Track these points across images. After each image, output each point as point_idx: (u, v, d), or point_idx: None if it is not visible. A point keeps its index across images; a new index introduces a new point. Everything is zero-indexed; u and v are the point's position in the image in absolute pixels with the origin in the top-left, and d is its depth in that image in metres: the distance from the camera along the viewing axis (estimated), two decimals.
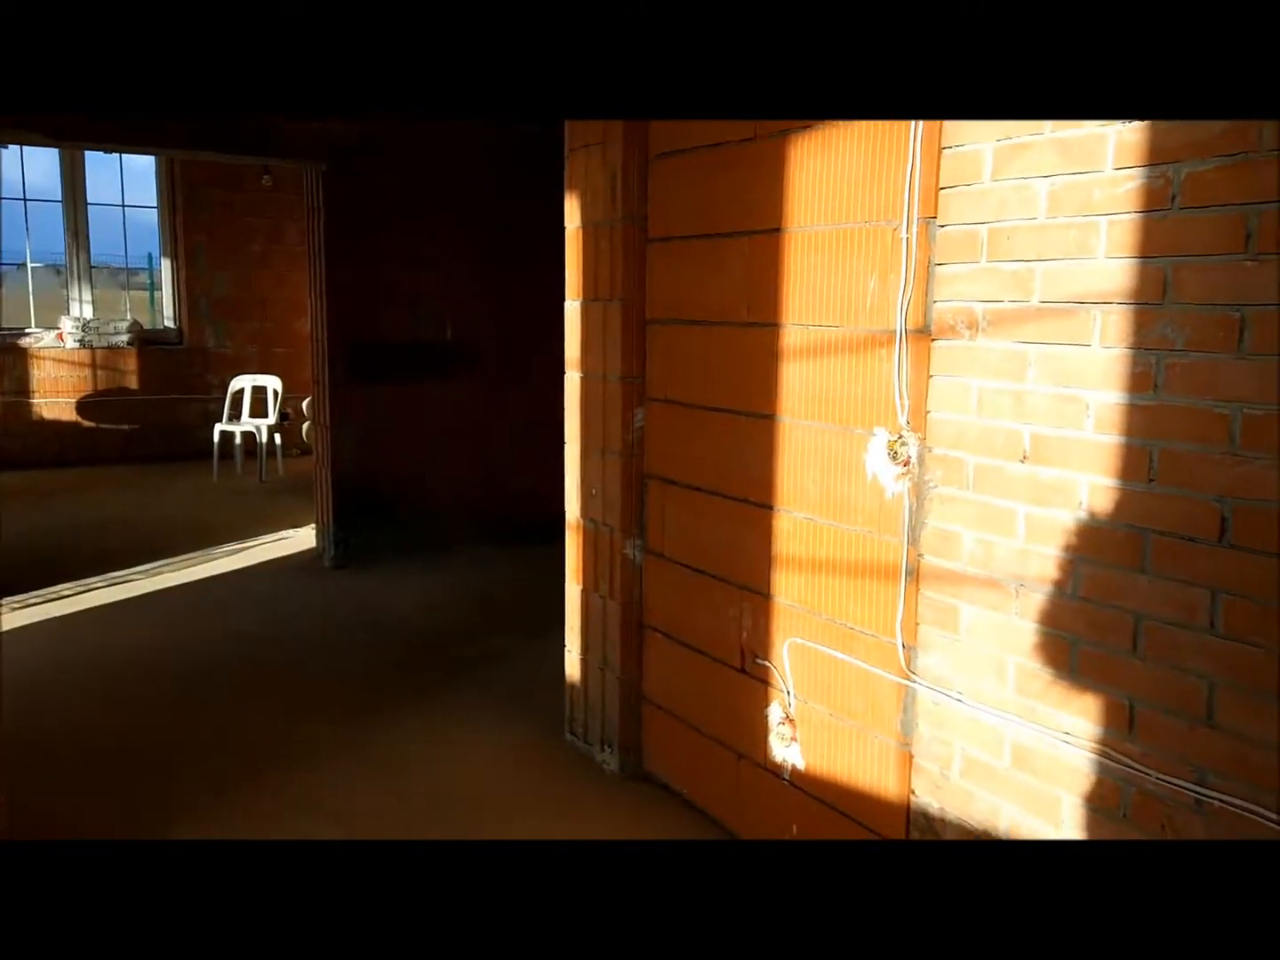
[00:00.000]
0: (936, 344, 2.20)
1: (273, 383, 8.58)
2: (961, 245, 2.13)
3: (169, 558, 5.81)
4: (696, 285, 2.89)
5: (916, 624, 2.31)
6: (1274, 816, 1.68)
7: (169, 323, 9.25)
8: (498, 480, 6.05)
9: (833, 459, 2.49)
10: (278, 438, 8.34)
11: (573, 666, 3.48)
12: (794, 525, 2.63)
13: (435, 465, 5.93)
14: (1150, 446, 1.82)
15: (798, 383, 2.57)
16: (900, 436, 2.28)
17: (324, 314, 5.59)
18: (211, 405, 8.97)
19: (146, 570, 5.57)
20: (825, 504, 2.52)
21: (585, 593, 3.38)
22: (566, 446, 3.40)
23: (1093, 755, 1.95)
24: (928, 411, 2.24)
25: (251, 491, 7.88)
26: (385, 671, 4.19)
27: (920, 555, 2.28)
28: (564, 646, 3.52)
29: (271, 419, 8.44)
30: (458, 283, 5.87)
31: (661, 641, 3.17)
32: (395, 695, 3.93)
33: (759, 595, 2.75)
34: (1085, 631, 1.95)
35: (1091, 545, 1.93)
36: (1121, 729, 1.90)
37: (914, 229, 2.21)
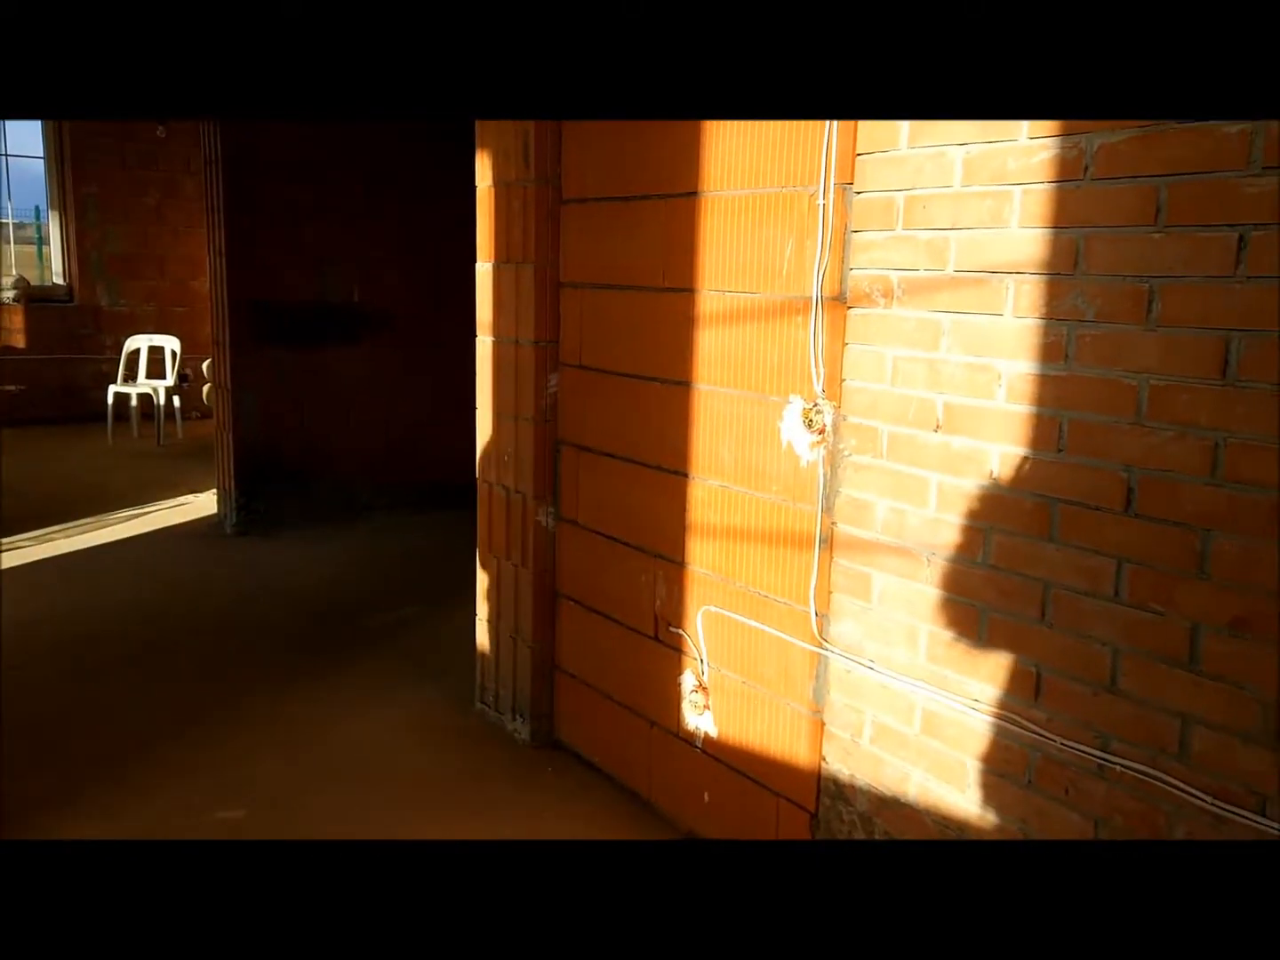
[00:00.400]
0: (852, 312, 2.19)
1: (170, 343, 8.26)
2: (878, 212, 2.11)
3: (62, 523, 5.57)
4: (612, 249, 2.84)
5: (829, 592, 2.31)
6: (1173, 781, 1.72)
7: (58, 279, 8.83)
8: (412, 445, 5.92)
9: (748, 427, 2.47)
10: (176, 400, 8.04)
11: (484, 635, 3.43)
12: (709, 493, 2.61)
13: (345, 429, 5.78)
14: (1060, 416, 1.84)
15: (714, 349, 2.55)
16: (815, 404, 2.28)
17: (223, 272, 5.39)
18: (105, 366, 8.59)
19: (38, 536, 5.34)
20: (740, 472, 2.51)
21: (497, 560, 3.33)
22: (478, 412, 3.33)
23: (1000, 722, 1.98)
24: (843, 379, 2.23)
25: (149, 455, 7.60)
26: (289, 641, 4.08)
27: (834, 523, 2.28)
28: (476, 615, 3.47)
29: (169, 380, 8.13)
30: (369, 243, 5.70)
31: (574, 609, 3.13)
32: (299, 665, 3.83)
33: (673, 563, 2.73)
34: (994, 599, 1.97)
35: (1001, 514, 1.95)
36: (1028, 696, 1.93)
37: (831, 195, 2.19)
